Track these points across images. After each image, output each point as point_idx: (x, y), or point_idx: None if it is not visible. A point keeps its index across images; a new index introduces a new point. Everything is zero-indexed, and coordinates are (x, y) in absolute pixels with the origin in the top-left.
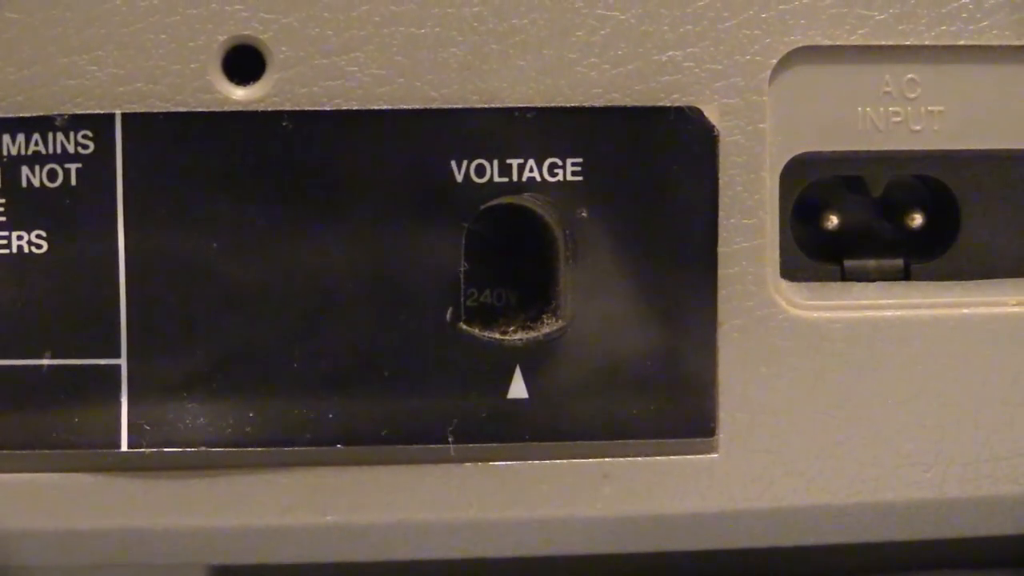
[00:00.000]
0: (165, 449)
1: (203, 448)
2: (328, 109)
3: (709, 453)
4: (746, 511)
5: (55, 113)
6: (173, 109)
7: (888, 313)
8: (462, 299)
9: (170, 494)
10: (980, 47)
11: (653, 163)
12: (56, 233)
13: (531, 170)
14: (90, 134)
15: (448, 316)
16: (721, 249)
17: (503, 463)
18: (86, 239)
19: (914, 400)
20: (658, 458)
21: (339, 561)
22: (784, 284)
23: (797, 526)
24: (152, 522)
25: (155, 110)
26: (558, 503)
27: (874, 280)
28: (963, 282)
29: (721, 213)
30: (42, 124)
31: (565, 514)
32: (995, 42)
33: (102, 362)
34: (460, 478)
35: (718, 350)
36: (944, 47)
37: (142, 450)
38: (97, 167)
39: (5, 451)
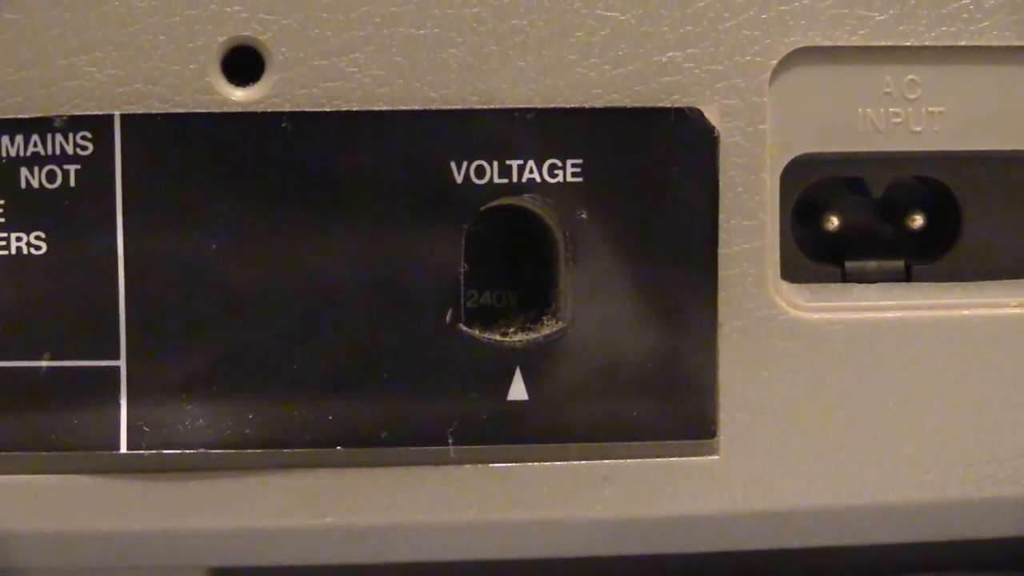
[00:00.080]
0: (164, 451)
1: (202, 450)
2: (328, 110)
3: (709, 455)
4: (747, 513)
5: (54, 114)
6: (172, 110)
7: (889, 314)
8: (462, 300)
9: (169, 496)
10: (981, 48)
11: (653, 164)
12: (55, 234)
13: (531, 171)
14: (89, 135)
15: (448, 317)
16: (721, 250)
17: (503, 465)
18: (85, 240)
19: (915, 402)
20: (658, 460)
21: (338, 563)
22: (785, 285)
23: (798, 528)
24: (151, 524)
25: (154, 111)
26: (558, 505)
27: (875, 281)
28: (964, 283)
29: (721, 214)
30: (41, 125)
31: (565, 516)
32: (996, 43)
33: (101, 363)
34: (460, 480)
35: (718, 352)
36: (945, 48)
37: (141, 452)
38: (96, 168)
39: (4, 453)
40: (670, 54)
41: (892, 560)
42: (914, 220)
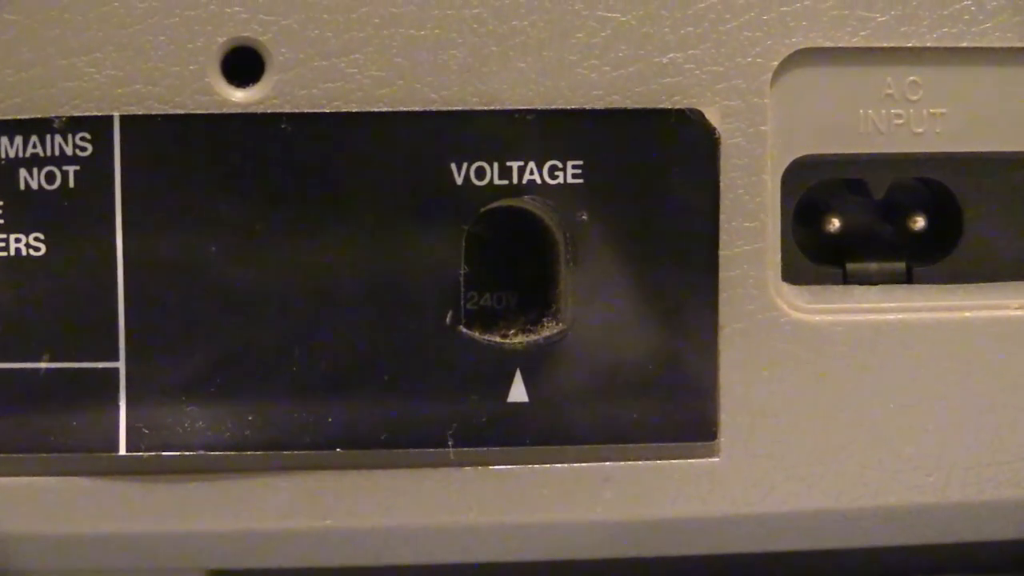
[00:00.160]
0: (164, 453)
1: (202, 452)
2: (327, 111)
3: (710, 457)
4: (747, 515)
5: (53, 115)
6: (172, 111)
7: (890, 316)
8: (462, 302)
9: (168, 498)
10: (982, 49)
11: (654, 166)
12: (54, 235)
13: (531, 172)
14: (88, 136)
15: (448, 319)
16: (722, 252)
17: (503, 467)
18: (84, 241)
19: (916, 404)
20: (659, 462)
21: (338, 565)
22: (786, 287)
23: (799, 530)
24: (151, 526)
25: (154, 112)
26: (558, 507)
27: (876, 283)
28: (965, 285)
29: (722, 216)
30: (40, 126)
31: (565, 518)
32: (997, 44)
33: (100, 365)
34: (460, 482)
35: (719, 353)
36: (946, 49)
37: (140, 454)
38: (95, 169)
39: (3, 455)
40: (671, 55)
41: (893, 563)
42: (915, 222)
